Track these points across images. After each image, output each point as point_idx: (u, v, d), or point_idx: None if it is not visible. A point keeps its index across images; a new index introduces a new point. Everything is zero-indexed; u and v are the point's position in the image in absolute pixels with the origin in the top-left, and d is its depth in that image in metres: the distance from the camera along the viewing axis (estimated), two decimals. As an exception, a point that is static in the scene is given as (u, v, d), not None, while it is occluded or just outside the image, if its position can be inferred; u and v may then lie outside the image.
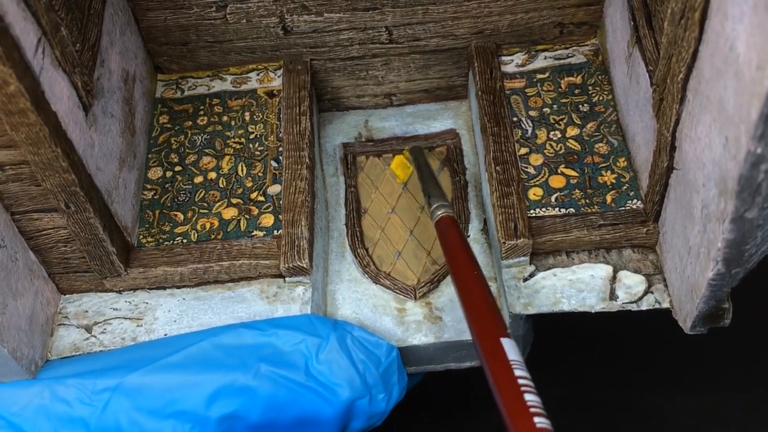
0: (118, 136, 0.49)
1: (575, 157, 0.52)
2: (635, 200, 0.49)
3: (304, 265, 0.48)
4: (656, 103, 0.43)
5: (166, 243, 0.50)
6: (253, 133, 0.55)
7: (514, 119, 0.54)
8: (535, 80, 0.56)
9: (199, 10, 0.54)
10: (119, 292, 0.50)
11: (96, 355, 0.48)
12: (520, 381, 0.37)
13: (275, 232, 0.50)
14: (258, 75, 0.58)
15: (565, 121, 0.54)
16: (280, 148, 0.54)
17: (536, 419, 0.35)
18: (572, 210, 0.49)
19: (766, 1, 0.28)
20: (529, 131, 0.53)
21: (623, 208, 0.49)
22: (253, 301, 0.49)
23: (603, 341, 0.62)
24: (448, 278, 0.52)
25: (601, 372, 0.61)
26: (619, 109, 0.53)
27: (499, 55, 0.57)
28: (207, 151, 0.54)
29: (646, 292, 0.47)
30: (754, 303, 0.54)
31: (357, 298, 0.52)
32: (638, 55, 0.47)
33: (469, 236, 0.54)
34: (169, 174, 0.53)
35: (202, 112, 0.56)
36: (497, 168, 0.51)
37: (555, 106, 0.54)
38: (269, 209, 0.51)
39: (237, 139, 0.55)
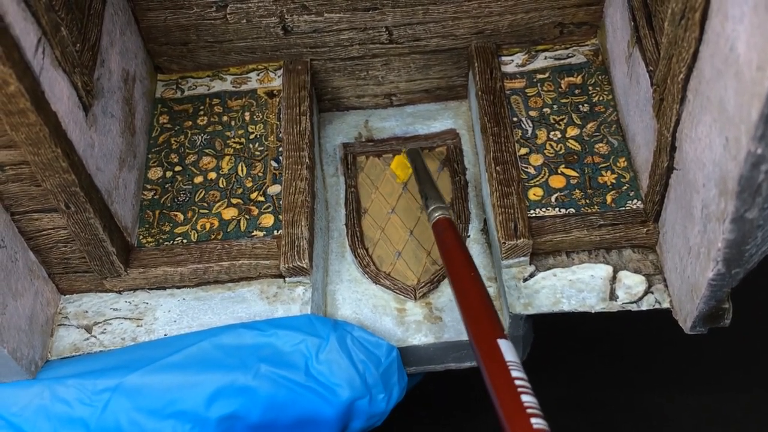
0: (118, 136, 0.49)
1: (575, 157, 0.52)
2: (635, 200, 0.49)
3: (304, 266, 0.48)
4: (656, 103, 0.43)
5: (166, 243, 0.50)
6: (253, 133, 0.55)
7: (514, 119, 0.54)
8: (535, 80, 0.56)
9: (199, 10, 0.54)
10: (119, 292, 0.50)
11: (96, 356, 0.48)
12: (517, 382, 0.37)
13: (275, 233, 0.50)
14: (258, 75, 0.58)
15: (565, 121, 0.54)
16: (280, 148, 0.54)
17: (533, 420, 0.35)
18: (572, 210, 0.49)
19: (767, 2, 0.28)
20: (529, 131, 0.53)
21: (623, 208, 0.49)
22: (253, 301, 0.49)
23: (603, 341, 0.62)
24: (448, 278, 0.52)
25: (601, 372, 0.61)
26: (619, 110, 0.53)
27: (499, 55, 0.57)
28: (207, 151, 0.54)
29: (646, 293, 0.47)
30: (754, 303, 0.54)
31: (357, 299, 0.52)
32: (638, 56, 0.47)
33: (469, 236, 0.54)
34: (169, 174, 0.53)
35: (202, 112, 0.56)
36: (497, 168, 0.51)
37: (555, 106, 0.54)
38: (269, 209, 0.51)
39: (237, 139, 0.55)
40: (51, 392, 0.46)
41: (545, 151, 0.52)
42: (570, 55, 0.57)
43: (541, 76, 0.56)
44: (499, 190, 0.50)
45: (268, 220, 0.51)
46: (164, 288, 0.50)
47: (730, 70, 0.32)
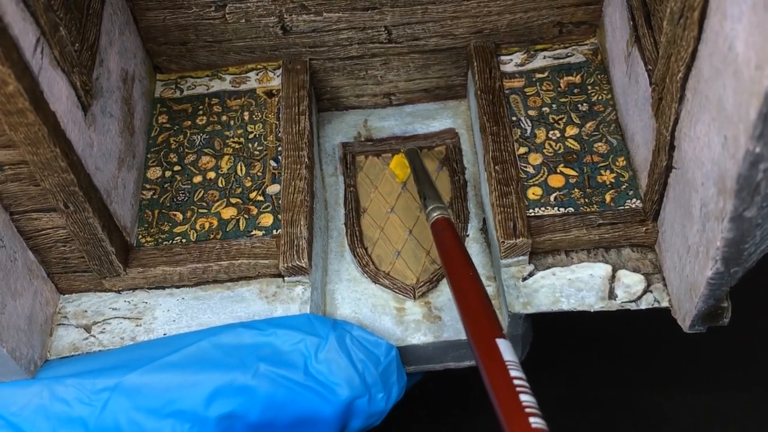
0: (117, 136, 0.49)
1: (574, 156, 0.52)
2: (634, 199, 0.49)
3: (303, 265, 0.48)
4: (655, 102, 0.43)
5: (165, 243, 0.50)
6: (252, 132, 0.55)
7: (513, 119, 0.54)
8: (534, 80, 0.56)
9: (198, 9, 0.54)
10: (118, 291, 0.50)
11: (95, 355, 0.48)
12: (516, 381, 0.37)
13: (274, 232, 0.50)
14: (257, 75, 0.58)
15: (564, 120, 0.54)
16: (279, 148, 0.54)
17: (531, 419, 0.35)
18: (571, 209, 0.49)
19: (765, 1, 0.28)
20: (528, 131, 0.53)
21: (622, 208, 0.49)
22: (252, 300, 0.49)
23: (602, 340, 0.62)
24: (448, 278, 0.52)
25: (600, 371, 0.61)
26: (618, 109, 0.53)
27: (498, 54, 0.57)
28: (206, 150, 0.54)
29: (645, 291, 0.47)
30: (753, 302, 0.54)
31: (356, 298, 0.52)
32: (637, 55, 0.47)
33: (468, 236, 0.54)
34: (168, 174, 0.53)
35: (201, 112, 0.56)
36: (496, 167, 0.51)
37: (554, 105, 0.54)
38: (268, 209, 0.51)
39: (236, 139, 0.55)
40: (50, 392, 0.46)
41: (544, 151, 0.52)
42: (569, 54, 0.57)
43: (540, 75, 0.56)
44: (498, 190, 0.50)
45: (267, 219, 0.51)
46: (163, 287, 0.50)
47: (729, 69, 0.32)
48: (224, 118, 0.56)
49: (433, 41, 0.57)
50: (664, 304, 0.46)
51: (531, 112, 0.54)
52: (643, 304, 0.47)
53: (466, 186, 0.57)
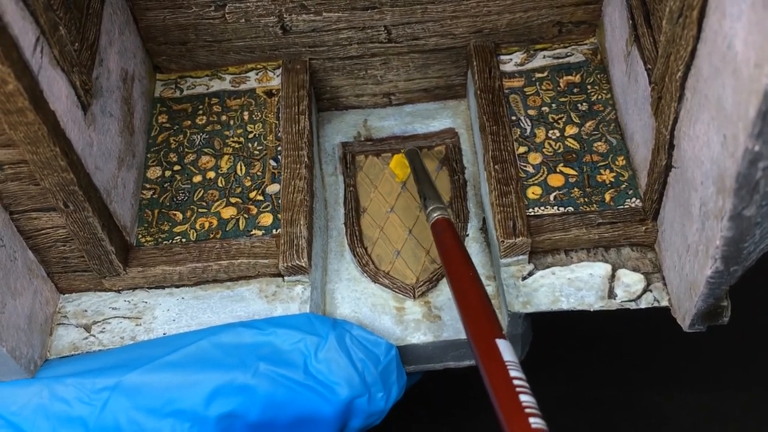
0: (116, 136, 0.49)
1: (574, 155, 0.52)
2: (634, 199, 0.49)
3: (303, 264, 0.48)
4: (655, 101, 0.43)
5: (165, 242, 0.50)
6: (252, 132, 0.55)
7: (513, 118, 0.54)
8: (533, 79, 0.56)
9: (197, 9, 0.54)
10: (118, 291, 0.50)
11: (95, 355, 0.48)
12: (516, 382, 0.37)
13: (274, 231, 0.50)
14: (257, 74, 0.58)
15: (563, 119, 0.54)
16: (279, 148, 0.54)
17: (531, 419, 0.35)
18: (571, 209, 0.49)
19: (764, 0, 0.28)
20: (528, 130, 0.53)
21: (622, 207, 0.49)
22: (252, 300, 0.49)
23: (602, 340, 0.62)
24: (447, 277, 0.52)
25: (600, 371, 0.61)
26: (617, 108, 0.53)
27: (497, 54, 0.57)
28: (206, 150, 0.55)
29: (644, 291, 0.47)
30: (752, 301, 0.54)
31: (356, 297, 0.52)
32: (637, 54, 0.47)
33: (467, 235, 0.55)
34: (168, 173, 0.53)
35: (201, 112, 0.57)
36: (496, 167, 0.51)
37: (554, 105, 0.54)
38: (268, 208, 0.51)
39: (236, 139, 0.55)
40: (50, 391, 0.46)
41: (544, 150, 0.52)
42: (568, 54, 0.57)
43: (540, 75, 0.56)
44: (498, 189, 0.50)
45: (266, 219, 0.51)
46: (163, 287, 0.50)
47: (728, 68, 0.32)
48: (224, 117, 0.56)
49: (433, 41, 0.57)
50: (664, 303, 0.46)
51: (531, 112, 0.54)
52: (643, 304, 0.47)
53: (466, 185, 0.57)
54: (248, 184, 0.53)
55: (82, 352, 0.48)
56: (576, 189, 0.50)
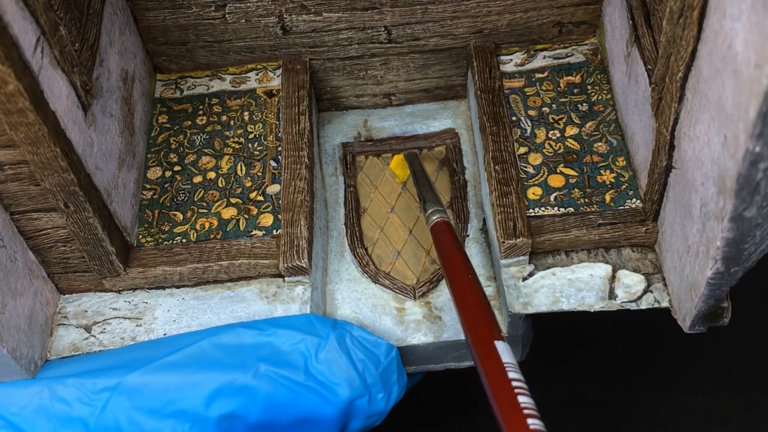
0: (117, 136, 0.49)
1: (574, 156, 0.52)
2: (634, 199, 0.49)
3: (304, 265, 0.48)
4: (655, 102, 0.43)
5: (165, 243, 0.50)
6: (252, 132, 0.55)
7: (513, 119, 0.54)
8: (534, 79, 0.56)
9: (198, 9, 0.54)
10: (119, 291, 0.50)
11: (95, 355, 0.48)
12: (514, 383, 0.37)
13: (274, 232, 0.50)
14: (257, 75, 0.58)
15: (564, 120, 0.54)
16: (279, 148, 0.54)
17: (529, 420, 0.35)
18: (571, 209, 0.49)
19: (765, 0, 0.28)
20: (528, 130, 0.53)
21: (622, 208, 0.49)
22: (253, 300, 0.49)
23: (602, 341, 0.62)
24: (448, 278, 0.52)
25: (601, 371, 0.61)
26: (618, 109, 0.53)
27: (498, 54, 0.57)
28: (206, 150, 0.55)
29: (645, 292, 0.47)
30: (753, 302, 0.54)
31: (356, 298, 0.52)
32: (637, 54, 0.47)
33: (468, 236, 0.54)
34: (168, 174, 0.53)
35: (201, 112, 0.57)
36: (496, 167, 0.51)
37: (554, 105, 0.54)
38: (268, 209, 0.51)
39: (236, 139, 0.55)
40: (50, 392, 0.46)
41: (544, 151, 0.52)
42: (569, 54, 0.57)
43: (540, 75, 0.56)
44: (498, 190, 0.50)
45: (267, 219, 0.51)
46: (163, 287, 0.50)
47: (728, 69, 0.32)
48: (224, 118, 0.56)
49: (433, 41, 0.57)
50: (665, 304, 0.46)
51: (531, 112, 0.54)
52: (644, 304, 0.47)
53: (466, 186, 0.57)
54: (248, 184, 0.53)
55: (83, 352, 0.48)
56: (576, 189, 0.50)
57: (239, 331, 0.47)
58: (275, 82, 0.57)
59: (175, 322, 0.48)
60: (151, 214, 0.52)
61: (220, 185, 0.53)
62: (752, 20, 0.29)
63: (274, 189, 0.52)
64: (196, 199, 0.52)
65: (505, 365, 0.38)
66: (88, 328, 0.49)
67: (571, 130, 0.53)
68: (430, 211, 0.50)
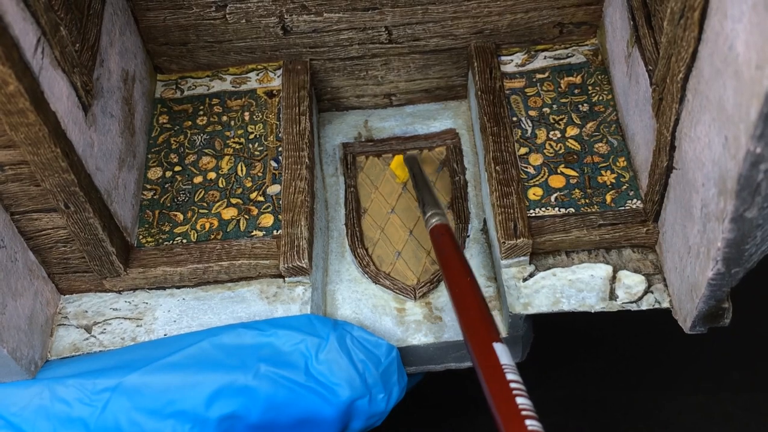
0: (117, 136, 0.49)
1: (575, 156, 0.52)
2: (635, 200, 0.49)
3: (304, 265, 0.48)
4: (656, 102, 0.43)
5: (165, 243, 0.50)
6: (252, 133, 0.55)
7: (514, 119, 0.54)
8: (534, 80, 0.56)
9: (198, 10, 0.54)
10: (119, 292, 0.50)
11: (96, 355, 0.48)
12: (512, 385, 0.37)
13: (275, 232, 0.50)
14: (257, 75, 0.58)
15: (564, 120, 0.54)
16: (280, 148, 0.54)
17: (528, 422, 0.36)
18: (572, 210, 0.49)
19: (766, 1, 0.28)
20: (529, 131, 0.53)
21: (623, 208, 0.49)
22: (253, 301, 0.49)
23: (603, 341, 0.62)
24: (448, 278, 0.52)
25: (601, 372, 0.61)
26: (618, 109, 0.53)
27: (498, 54, 0.57)
28: (206, 151, 0.54)
29: (645, 292, 0.47)
30: (754, 303, 0.54)
31: (357, 298, 0.52)
32: (638, 55, 0.47)
33: (468, 236, 0.54)
34: (168, 174, 0.53)
35: (201, 112, 0.56)
36: (497, 168, 0.51)
37: (555, 105, 0.54)
38: (269, 209, 0.51)
39: (236, 139, 0.55)
40: (51, 392, 0.46)
41: (545, 151, 0.52)
42: (569, 54, 0.57)
43: (541, 75, 0.56)
44: (499, 190, 0.50)
45: (267, 220, 0.51)
46: (164, 288, 0.50)
47: (729, 70, 0.32)
48: (225, 118, 0.56)
49: (434, 41, 0.57)
50: (665, 304, 0.46)
51: (531, 113, 0.54)
52: (644, 305, 0.47)
53: (467, 186, 0.57)
54: (249, 184, 0.53)
55: (83, 352, 0.48)
56: (577, 190, 0.50)
57: (240, 331, 0.47)
58: (276, 83, 0.57)
59: (175, 323, 0.48)
60: (152, 214, 0.52)
61: (221, 185, 0.53)
62: (753, 21, 0.29)
63: (274, 189, 0.52)
64: (196, 200, 0.52)
65: (504, 367, 0.38)
66: (88, 329, 0.49)
67: (571, 131, 0.53)
68: (429, 214, 0.50)
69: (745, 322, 0.48)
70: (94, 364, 0.47)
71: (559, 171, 0.51)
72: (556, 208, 0.49)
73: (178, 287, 0.50)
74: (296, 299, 0.49)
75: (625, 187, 0.50)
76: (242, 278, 0.50)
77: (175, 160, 0.54)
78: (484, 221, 0.55)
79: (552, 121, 0.54)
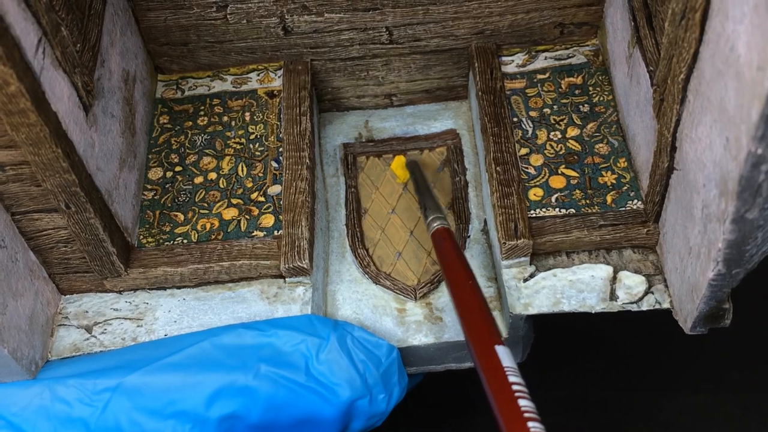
0: (118, 137, 0.49)
1: (576, 157, 0.52)
2: (635, 201, 0.49)
3: (305, 266, 0.48)
4: (657, 103, 0.43)
5: (166, 243, 0.50)
6: (253, 133, 0.55)
7: (515, 120, 0.54)
8: (535, 80, 0.56)
9: (199, 10, 0.54)
10: (119, 292, 0.50)
11: (96, 356, 0.48)
12: (514, 387, 0.37)
13: (275, 233, 0.50)
14: (258, 75, 0.58)
15: (565, 121, 0.54)
16: (281, 149, 0.54)
17: (530, 424, 0.36)
18: (572, 210, 0.49)
19: (767, 2, 0.28)
20: (530, 132, 0.53)
21: (623, 209, 0.49)
22: (254, 301, 0.49)
23: (603, 342, 0.62)
24: (449, 279, 0.52)
25: (602, 372, 0.61)
26: (619, 110, 0.53)
27: (499, 55, 0.57)
28: (207, 151, 0.54)
29: (646, 293, 0.47)
30: (754, 303, 0.54)
31: (357, 299, 0.52)
32: (639, 56, 0.47)
33: (469, 237, 0.55)
34: (169, 174, 0.53)
35: (202, 113, 0.56)
36: (498, 168, 0.51)
37: (555, 106, 0.54)
38: (269, 209, 0.51)
39: (237, 140, 0.55)
40: (51, 392, 0.46)
41: (545, 152, 0.52)
42: (570, 55, 0.57)
43: (542, 76, 0.56)
44: (500, 191, 0.50)
45: (268, 220, 0.51)
46: (164, 288, 0.50)
47: (731, 71, 0.32)
48: (225, 118, 0.56)
49: (435, 42, 0.57)
50: (666, 305, 0.46)
51: (532, 113, 0.54)
52: (645, 306, 0.47)
53: (467, 187, 0.57)
54: (249, 185, 0.53)
55: (84, 353, 0.48)
56: (577, 191, 0.50)
57: (240, 331, 0.47)
58: (276, 83, 0.57)
59: (176, 323, 0.48)
60: (152, 214, 0.52)
61: (221, 186, 0.53)
62: (755, 22, 0.29)
63: (275, 190, 0.52)
64: (197, 200, 0.52)
65: (506, 369, 0.39)
66: (88, 329, 0.49)
67: (572, 131, 0.53)
68: (431, 218, 0.50)
69: (745, 322, 0.48)
70: (94, 364, 0.47)
71: (559, 171, 0.51)
72: (557, 209, 0.49)
73: (179, 287, 0.50)
74: (297, 299, 0.49)
75: (625, 187, 0.50)
76: (243, 278, 0.50)
77: (176, 160, 0.54)
78: (485, 222, 0.55)
79: (553, 121, 0.54)
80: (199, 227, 0.51)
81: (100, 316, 0.49)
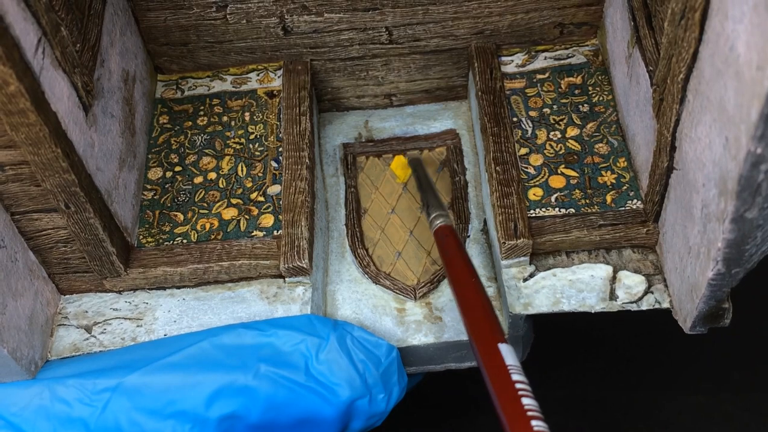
0: (118, 137, 0.49)
1: (575, 157, 0.52)
2: (635, 200, 0.49)
3: (304, 266, 0.48)
4: (656, 103, 0.43)
5: (166, 243, 0.50)
6: (253, 133, 0.55)
7: (514, 119, 0.54)
8: (535, 80, 0.56)
9: (199, 10, 0.54)
10: (119, 292, 0.50)
11: (96, 356, 0.48)
12: (518, 385, 0.37)
13: (275, 233, 0.50)
14: (258, 75, 0.58)
15: (565, 121, 0.54)
16: (280, 149, 0.54)
17: (534, 422, 0.36)
18: (572, 210, 0.49)
19: (767, 2, 0.28)
20: (529, 131, 0.53)
21: (623, 208, 0.49)
22: (253, 301, 0.49)
23: (603, 341, 0.62)
24: (448, 278, 0.52)
25: (601, 372, 0.61)
26: (619, 110, 0.53)
27: (499, 55, 0.57)
28: (207, 151, 0.54)
29: (646, 292, 0.47)
30: (754, 303, 0.54)
31: (357, 299, 0.52)
32: (638, 56, 0.47)
33: (468, 236, 0.55)
34: (169, 174, 0.53)
35: (202, 113, 0.56)
36: (497, 168, 0.51)
37: (555, 106, 0.54)
38: (269, 209, 0.51)
39: (237, 140, 0.55)
40: (51, 392, 0.46)
41: (545, 152, 0.52)
42: (570, 55, 0.57)
43: (541, 76, 0.56)
44: (499, 191, 0.50)
45: (268, 220, 0.51)
46: (164, 288, 0.50)
47: (730, 70, 0.32)
48: (225, 118, 0.56)
49: (434, 42, 0.57)
50: (665, 305, 0.46)
51: (532, 113, 0.54)
52: (644, 305, 0.47)
53: (467, 187, 0.57)
54: (249, 185, 0.53)
55: (83, 353, 0.48)
56: (577, 190, 0.50)
57: (240, 331, 0.47)
58: (276, 83, 0.57)
59: (175, 323, 0.48)
60: (152, 214, 0.52)
61: (221, 186, 0.53)
62: (754, 22, 0.29)
63: (274, 189, 0.52)
64: (196, 200, 0.52)
65: (509, 368, 0.38)
66: (88, 329, 0.49)
67: (572, 131, 0.53)
68: (434, 215, 0.50)
69: (745, 322, 0.48)
70: (94, 364, 0.47)
71: (559, 171, 0.51)
72: (557, 209, 0.49)
73: (179, 287, 0.50)
74: (296, 299, 0.49)
75: (625, 187, 0.50)
76: (242, 278, 0.50)
77: (176, 160, 0.54)
78: (485, 221, 0.55)
79: (552, 121, 0.54)
80: (198, 227, 0.51)
81: (99, 316, 0.49)
